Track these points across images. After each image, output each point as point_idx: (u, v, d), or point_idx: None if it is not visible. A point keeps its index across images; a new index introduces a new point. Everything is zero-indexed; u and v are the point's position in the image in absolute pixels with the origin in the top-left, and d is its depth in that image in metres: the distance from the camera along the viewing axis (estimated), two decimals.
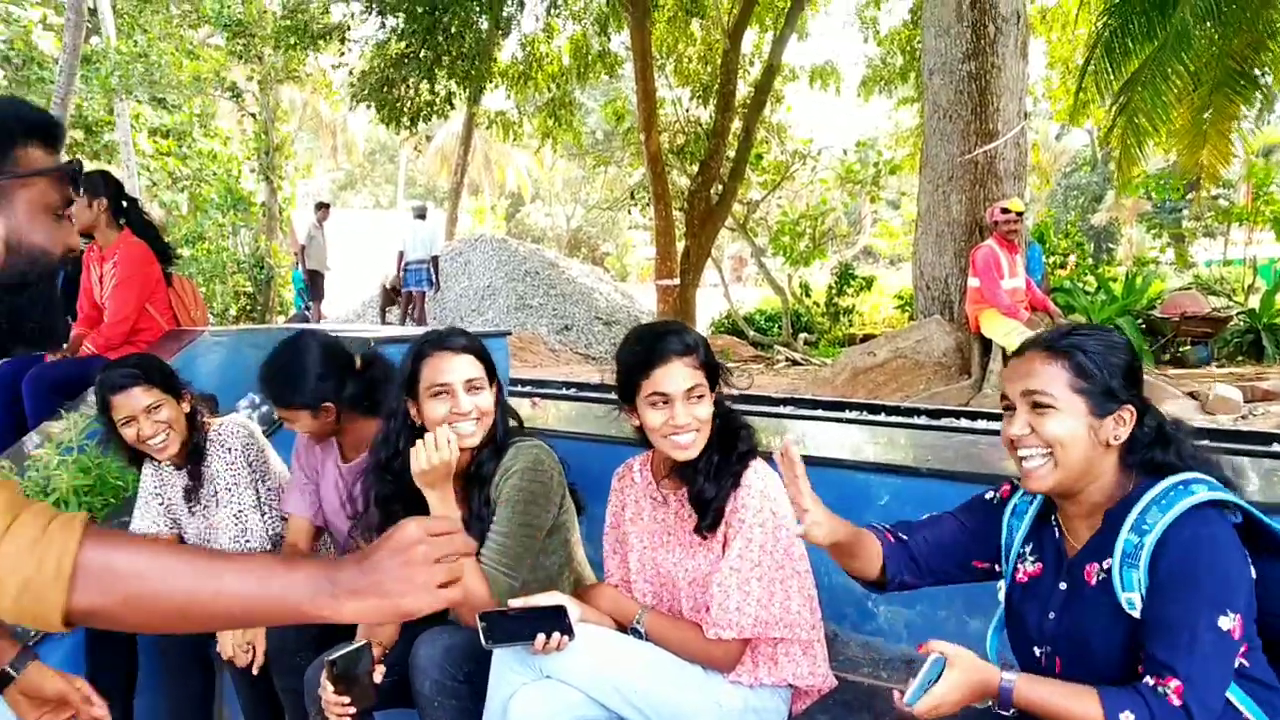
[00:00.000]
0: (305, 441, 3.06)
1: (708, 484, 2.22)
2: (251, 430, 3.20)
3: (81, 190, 4.56)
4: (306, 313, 16.58)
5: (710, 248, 16.23)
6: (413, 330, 6.47)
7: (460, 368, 2.41)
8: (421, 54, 14.40)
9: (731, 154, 15.85)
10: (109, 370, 3.05)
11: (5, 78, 15.79)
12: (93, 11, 14.47)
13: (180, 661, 2.95)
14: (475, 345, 2.48)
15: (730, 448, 2.24)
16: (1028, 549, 1.93)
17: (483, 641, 2.10)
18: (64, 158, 1.32)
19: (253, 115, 19.02)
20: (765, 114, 17.02)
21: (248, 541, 3.06)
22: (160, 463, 3.19)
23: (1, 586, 1.05)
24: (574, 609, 2.21)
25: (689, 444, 2.19)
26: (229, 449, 3.10)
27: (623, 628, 2.33)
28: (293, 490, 3.06)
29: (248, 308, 18.61)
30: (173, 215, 18.27)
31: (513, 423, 2.59)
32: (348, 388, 2.86)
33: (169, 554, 1.11)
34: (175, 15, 18.65)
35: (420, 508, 2.42)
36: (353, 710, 2.16)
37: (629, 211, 24.48)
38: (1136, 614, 1.67)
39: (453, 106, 16.61)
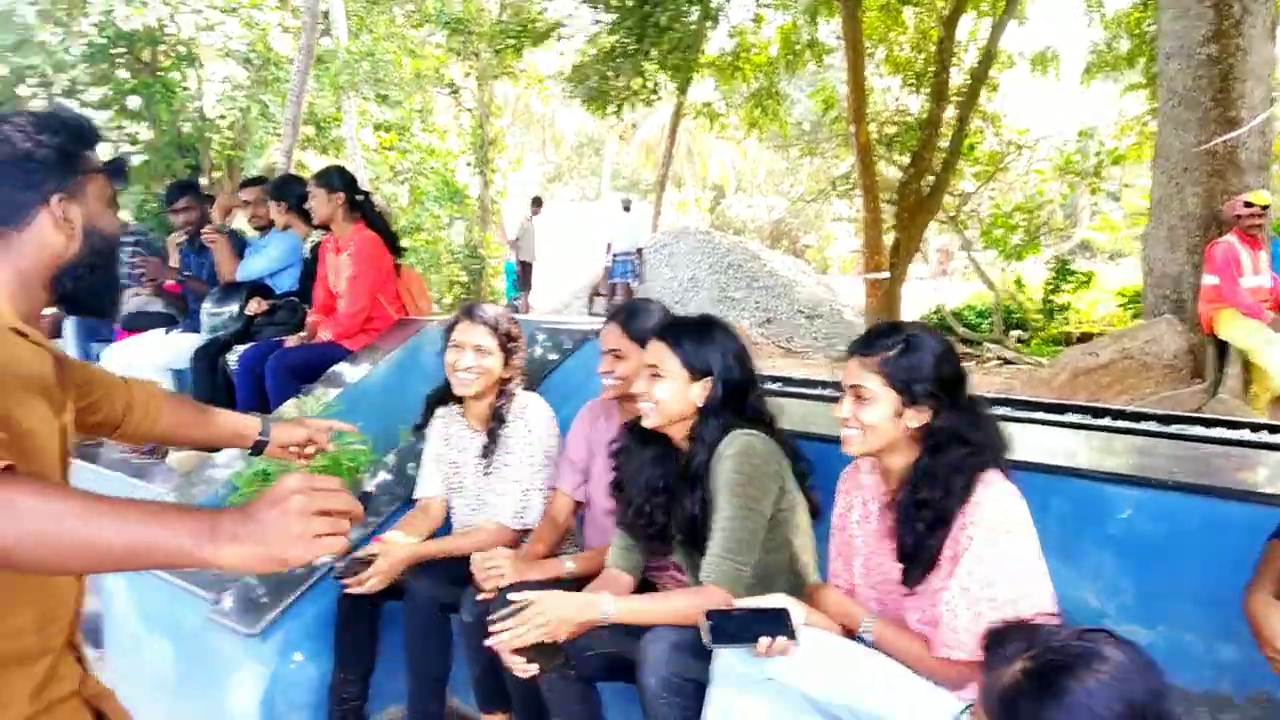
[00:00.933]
0: (590, 415, 3.20)
1: (906, 532, 2.15)
2: (551, 415, 3.33)
3: (320, 184, 4.84)
4: (516, 302, 17.10)
5: (920, 240, 15.79)
6: None
7: (648, 354, 2.57)
8: (631, 47, 14.54)
9: (945, 144, 15.34)
10: (474, 303, 3.34)
11: (248, 78, 16.81)
12: (325, 14, 15.27)
13: (422, 641, 3.08)
14: (662, 334, 2.59)
15: (942, 490, 2.11)
16: None
17: (705, 640, 2.10)
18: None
19: (469, 110, 19.68)
20: (980, 102, 16.41)
21: (522, 518, 3.20)
22: (460, 414, 3.37)
23: None
24: (798, 612, 2.18)
25: (847, 439, 2.22)
26: (530, 428, 3.25)
27: (849, 633, 2.28)
28: (563, 465, 3.20)
29: (461, 296, 19.29)
30: (392, 207, 19.11)
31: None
32: None
33: (64, 497, 1.14)
34: (399, 15, 19.46)
35: (656, 497, 2.56)
36: (534, 669, 2.30)
37: (831, 202, 24.08)
38: None
39: (658, 96, 16.75)
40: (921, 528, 2.12)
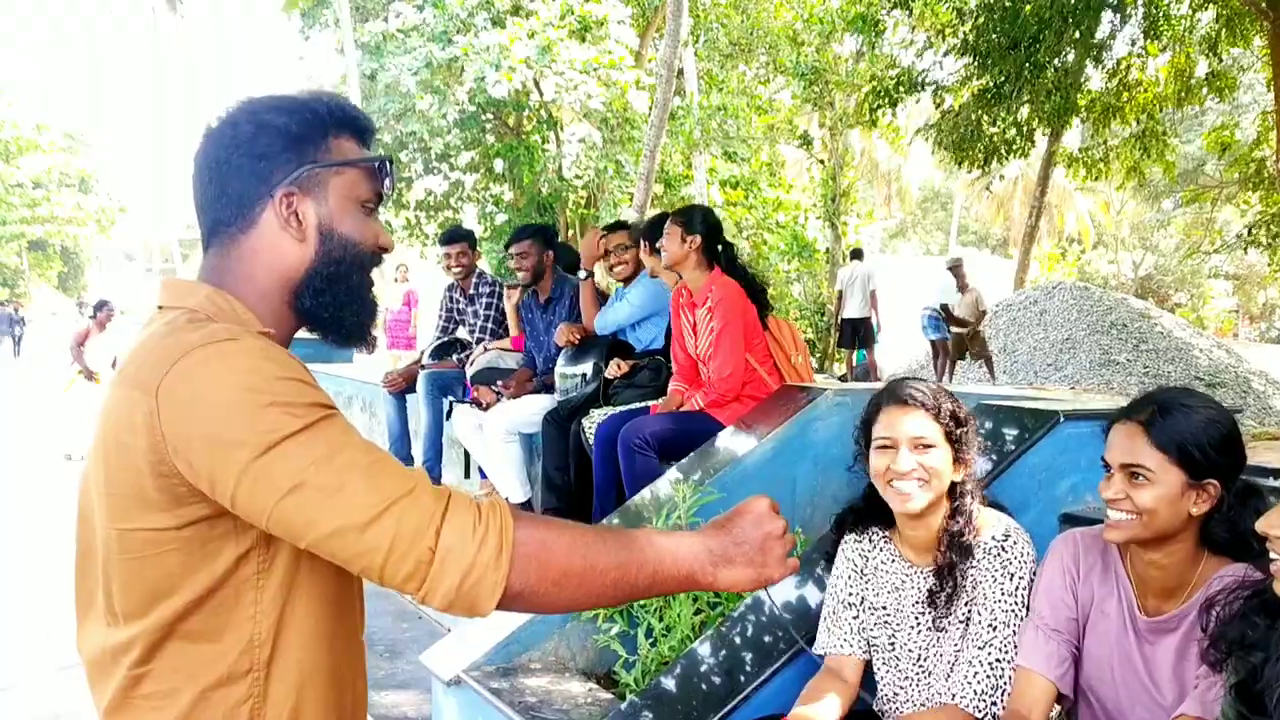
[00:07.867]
0: (1074, 554, 2.10)
1: None
2: (1034, 553, 2.24)
3: (678, 221, 4.16)
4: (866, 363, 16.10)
5: None
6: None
7: None
8: (1007, 88, 13.39)
9: None
10: (896, 380, 2.32)
11: (604, 138, 17.06)
12: (680, 72, 15.17)
13: None
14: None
15: None
16: None
17: None
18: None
19: (821, 161, 19.10)
20: None
21: (991, 703, 2.12)
22: (887, 538, 2.39)
23: (442, 576, 1.02)
24: None
25: None
26: (1011, 574, 2.18)
27: None
28: (1031, 631, 2.09)
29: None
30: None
31: None
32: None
33: (582, 529, 1.12)
34: (749, 73, 19.26)
35: None
36: None
37: (1208, 258, 21.53)
38: None
39: (1033, 143, 15.41)
40: None
